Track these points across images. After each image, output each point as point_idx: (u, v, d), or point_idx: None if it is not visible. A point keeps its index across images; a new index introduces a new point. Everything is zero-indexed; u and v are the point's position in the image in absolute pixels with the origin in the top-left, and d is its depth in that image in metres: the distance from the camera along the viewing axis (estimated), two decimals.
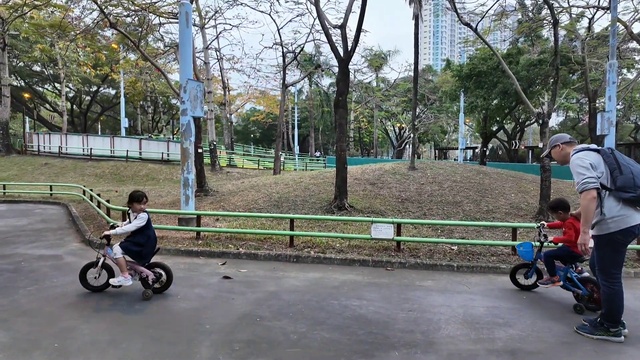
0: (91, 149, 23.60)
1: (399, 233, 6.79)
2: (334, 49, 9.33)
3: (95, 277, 4.80)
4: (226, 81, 34.82)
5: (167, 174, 22.60)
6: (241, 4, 18.33)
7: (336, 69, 33.55)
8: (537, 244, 4.82)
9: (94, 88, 44.93)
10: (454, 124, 47.21)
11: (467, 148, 46.13)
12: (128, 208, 4.85)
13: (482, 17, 11.12)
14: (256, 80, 28.47)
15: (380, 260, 6.32)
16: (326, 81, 51.55)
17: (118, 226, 4.87)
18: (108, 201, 9.62)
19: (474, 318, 4.20)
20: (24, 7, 10.51)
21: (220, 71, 31.42)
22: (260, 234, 7.58)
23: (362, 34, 9.00)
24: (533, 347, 3.52)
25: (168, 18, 13.56)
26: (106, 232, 4.63)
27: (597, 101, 21.44)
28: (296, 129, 39.53)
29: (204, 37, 20.81)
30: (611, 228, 3.38)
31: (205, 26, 20.46)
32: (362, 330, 3.86)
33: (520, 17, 20.92)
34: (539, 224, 4.82)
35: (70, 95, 44.61)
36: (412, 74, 42.15)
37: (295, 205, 10.22)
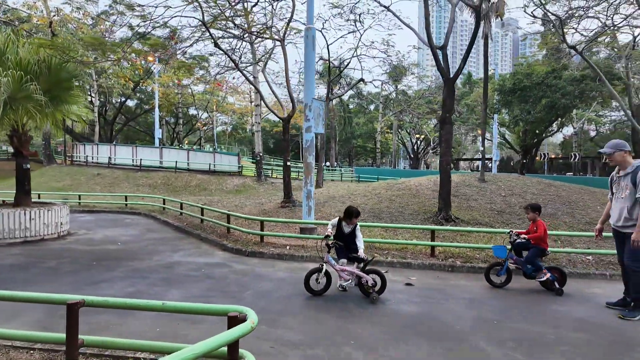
0: (141, 159, 24.15)
1: None
2: (440, 68, 9.90)
3: (317, 282, 5.32)
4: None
5: (217, 184, 23.07)
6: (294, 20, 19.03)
7: (370, 84, 34.06)
8: (509, 246, 5.91)
9: (120, 99, 45.77)
10: (473, 135, 48.26)
11: (476, 159, 47.67)
12: (344, 222, 5.44)
13: (590, 42, 11.72)
14: (297, 93, 29.18)
15: None
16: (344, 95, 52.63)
17: (328, 234, 5.41)
18: (229, 211, 10.10)
19: None
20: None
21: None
22: (402, 244, 8.03)
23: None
24: None
25: (263, 38, 14.14)
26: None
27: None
28: (323, 140, 40.17)
29: (253, 54, 21.51)
30: None
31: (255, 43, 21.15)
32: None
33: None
34: (509, 230, 6.16)
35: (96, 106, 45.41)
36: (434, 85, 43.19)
37: (394, 216, 10.66)
